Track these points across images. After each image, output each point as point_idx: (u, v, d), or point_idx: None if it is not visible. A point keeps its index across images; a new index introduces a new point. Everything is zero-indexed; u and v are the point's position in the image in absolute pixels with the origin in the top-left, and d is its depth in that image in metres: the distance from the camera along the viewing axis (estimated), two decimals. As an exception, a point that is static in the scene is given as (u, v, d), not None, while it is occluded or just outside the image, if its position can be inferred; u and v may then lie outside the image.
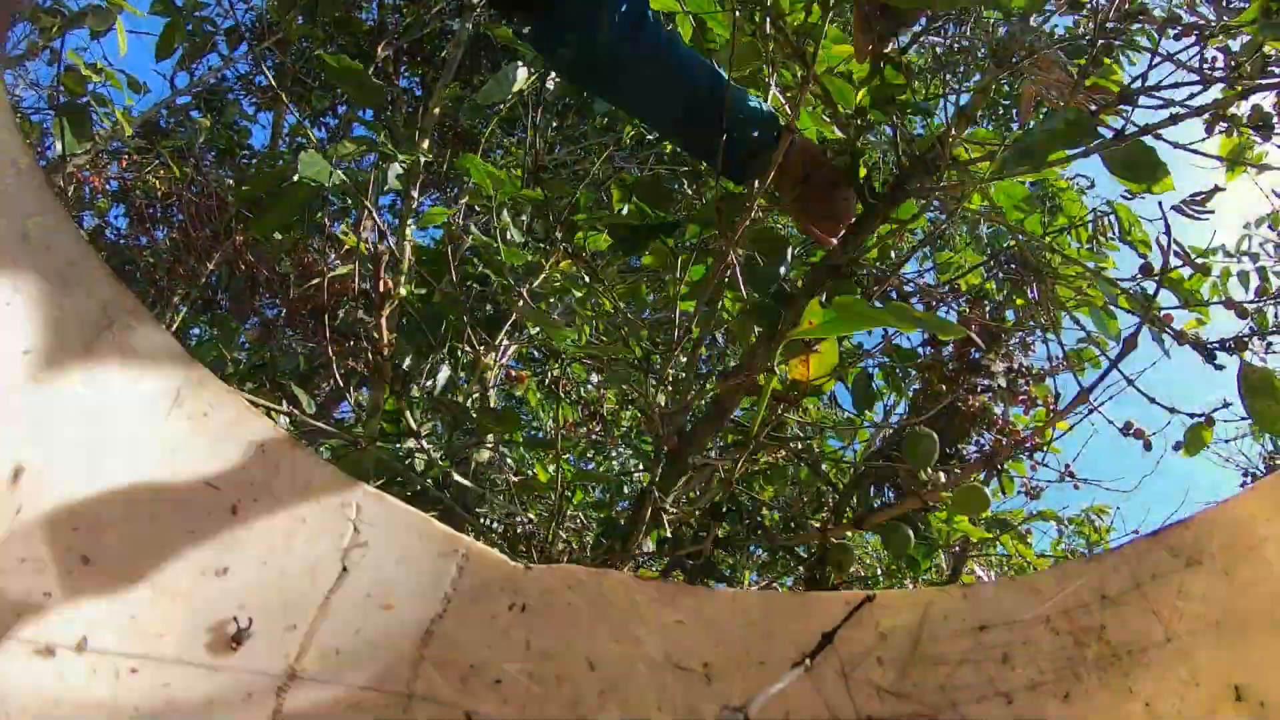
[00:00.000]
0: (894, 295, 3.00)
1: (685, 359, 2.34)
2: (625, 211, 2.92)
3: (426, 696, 1.00)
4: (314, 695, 0.98)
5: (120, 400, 1.00)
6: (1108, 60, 2.21)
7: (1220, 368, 2.57)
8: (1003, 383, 2.93)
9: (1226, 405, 2.72)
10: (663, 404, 2.43)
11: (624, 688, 1.04)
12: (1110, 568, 1.11)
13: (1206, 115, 2.01)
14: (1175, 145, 2.03)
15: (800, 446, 2.92)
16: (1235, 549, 1.08)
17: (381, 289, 2.77)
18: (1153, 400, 2.72)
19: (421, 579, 1.06)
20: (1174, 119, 1.99)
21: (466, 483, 2.71)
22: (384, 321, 2.79)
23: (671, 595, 1.08)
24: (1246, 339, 2.63)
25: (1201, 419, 2.70)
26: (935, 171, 2.27)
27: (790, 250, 2.36)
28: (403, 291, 3.15)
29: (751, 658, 1.06)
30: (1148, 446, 2.90)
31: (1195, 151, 2.08)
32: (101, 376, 1.00)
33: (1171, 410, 2.76)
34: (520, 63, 3.00)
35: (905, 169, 2.30)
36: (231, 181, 4.29)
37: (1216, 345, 2.54)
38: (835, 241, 2.23)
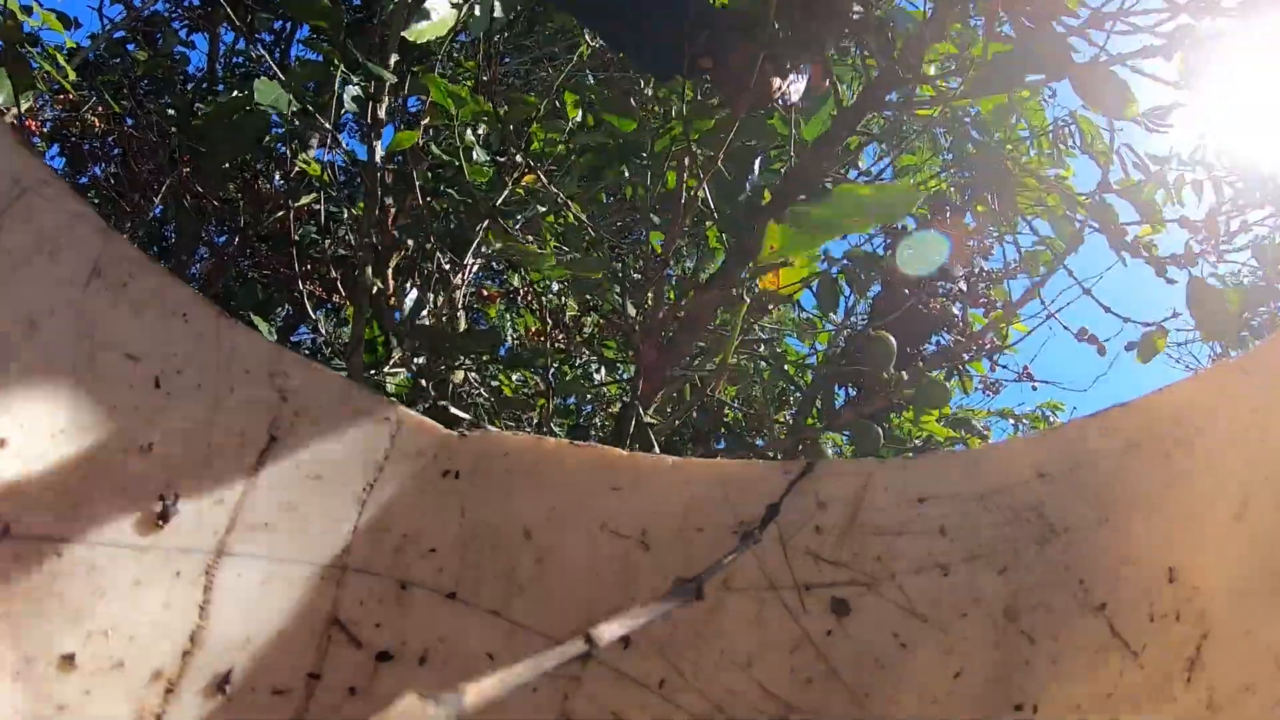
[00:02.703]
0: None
1: (655, 273, 2.33)
2: (581, 117, 2.89)
3: (360, 568, 0.99)
4: (245, 571, 0.96)
5: (34, 273, 0.97)
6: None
7: (1171, 281, 2.60)
8: (963, 286, 2.94)
9: (1176, 315, 2.74)
10: (632, 314, 2.42)
11: (560, 555, 1.03)
12: (1050, 446, 1.11)
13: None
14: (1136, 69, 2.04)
15: (763, 348, 2.92)
16: (1175, 434, 1.07)
17: (389, 241, 2.75)
18: (1108, 310, 2.74)
19: (353, 448, 1.04)
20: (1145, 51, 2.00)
21: (452, 408, 2.71)
22: (389, 271, 2.78)
23: (609, 462, 1.07)
24: (1197, 253, 2.64)
25: (1154, 328, 2.73)
26: (905, 84, 2.26)
27: (758, 160, 2.34)
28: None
29: (689, 525, 1.05)
30: (1101, 352, 2.92)
31: (1156, 79, 2.09)
32: (12, 249, 0.97)
33: (1125, 320, 2.78)
34: None
35: (874, 81, 2.28)
36: (172, 110, 4.19)
37: (1169, 260, 2.56)
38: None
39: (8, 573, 0.89)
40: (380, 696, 0.95)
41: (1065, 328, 2.95)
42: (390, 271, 3.07)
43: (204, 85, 4.88)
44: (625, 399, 2.39)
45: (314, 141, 3.40)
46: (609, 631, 0.76)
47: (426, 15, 2.86)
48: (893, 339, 2.18)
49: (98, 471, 0.95)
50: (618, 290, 2.57)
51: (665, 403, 2.53)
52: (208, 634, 0.94)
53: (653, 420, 2.25)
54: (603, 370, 3.64)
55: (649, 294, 2.38)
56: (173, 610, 0.94)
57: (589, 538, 1.04)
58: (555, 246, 3.19)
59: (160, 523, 0.96)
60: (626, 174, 2.72)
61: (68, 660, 0.89)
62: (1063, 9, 2.11)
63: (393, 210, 3.00)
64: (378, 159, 3.20)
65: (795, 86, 2.15)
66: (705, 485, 1.08)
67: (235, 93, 2.90)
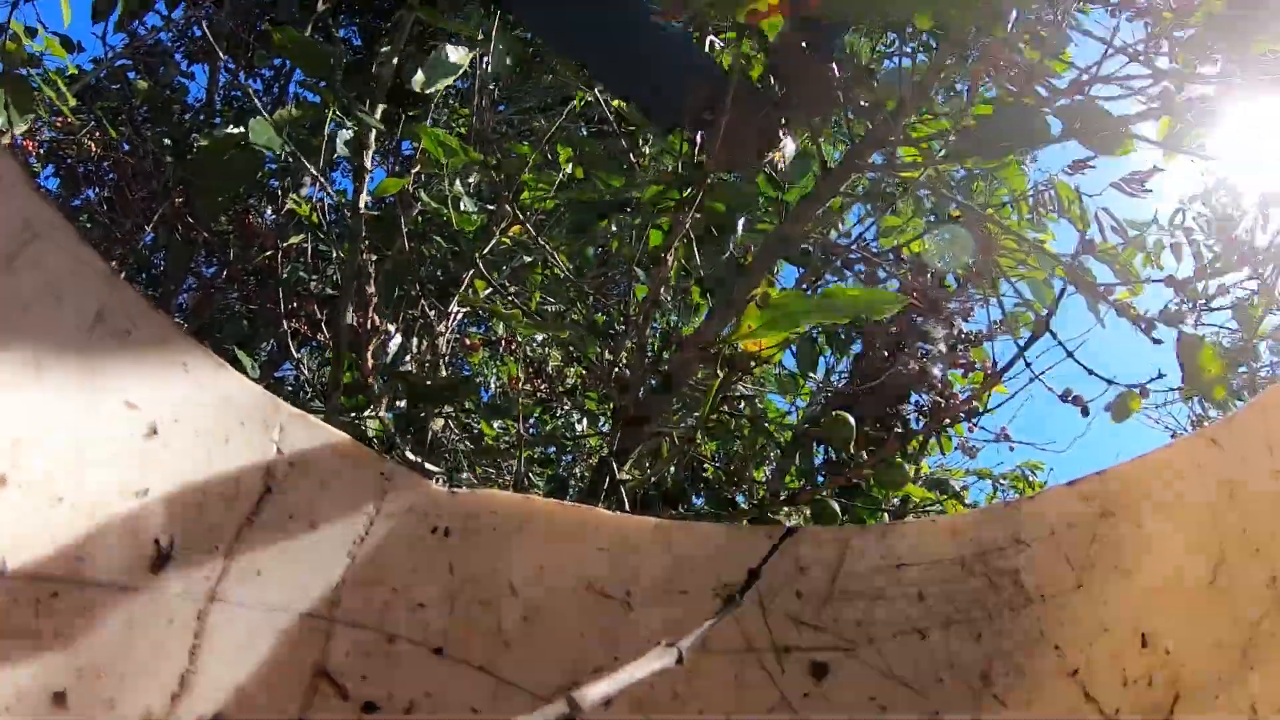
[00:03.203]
0: (838, 263, 3.02)
1: (637, 328, 2.35)
2: (570, 170, 2.91)
3: (348, 620, 1.00)
4: (236, 618, 0.98)
5: (40, 317, 0.99)
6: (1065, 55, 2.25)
7: (1158, 342, 2.63)
8: (943, 347, 2.96)
9: (1161, 376, 2.77)
10: (614, 367, 2.43)
11: (546, 614, 1.04)
12: (1026, 514, 1.14)
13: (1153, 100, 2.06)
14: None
15: (743, 405, 2.94)
16: (1149, 502, 1.11)
17: (370, 326, 2.78)
18: (1091, 372, 2.77)
19: (345, 501, 1.05)
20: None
21: (425, 463, 2.73)
22: (369, 355, 2.81)
23: (595, 522, 1.09)
24: (1182, 312, 2.67)
25: (1135, 389, 2.76)
26: (888, 147, 2.29)
27: (742, 220, 2.37)
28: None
29: (673, 587, 1.07)
30: (1085, 413, 2.94)
31: (1138, 137, 2.13)
32: (21, 292, 0.98)
33: (1109, 382, 2.80)
34: (454, 44, 2.94)
35: (858, 143, 2.31)
36: (168, 140, 4.21)
37: (1156, 319, 2.58)
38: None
39: (7, 612, 0.91)
40: (365, 748, 0.96)
41: (1049, 389, 2.97)
42: (370, 323, 3.09)
43: (201, 117, 4.89)
44: (605, 452, 2.40)
45: (307, 180, 3.42)
46: (593, 693, 0.78)
47: (432, 67, 2.88)
48: (851, 420, 2.21)
49: (94, 514, 0.96)
50: (597, 343, 2.59)
51: (642, 458, 2.54)
52: (197, 678, 0.95)
53: (627, 476, 2.27)
54: (584, 422, 3.66)
55: (625, 349, 2.39)
56: (164, 653, 0.95)
57: (574, 597, 1.06)
58: (540, 299, 3.21)
59: (155, 567, 0.97)
60: (614, 228, 2.75)
61: (59, 698, 0.90)
62: (1046, 72, 2.15)
63: (373, 272, 3.02)
64: (363, 204, 3.23)
65: (785, 151, 2.19)
66: (689, 548, 1.10)
67: (232, 127, 2.92)
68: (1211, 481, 1.11)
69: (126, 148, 4.15)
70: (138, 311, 1.03)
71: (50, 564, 0.93)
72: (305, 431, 1.07)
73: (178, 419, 1.02)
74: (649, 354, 2.30)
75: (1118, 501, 1.11)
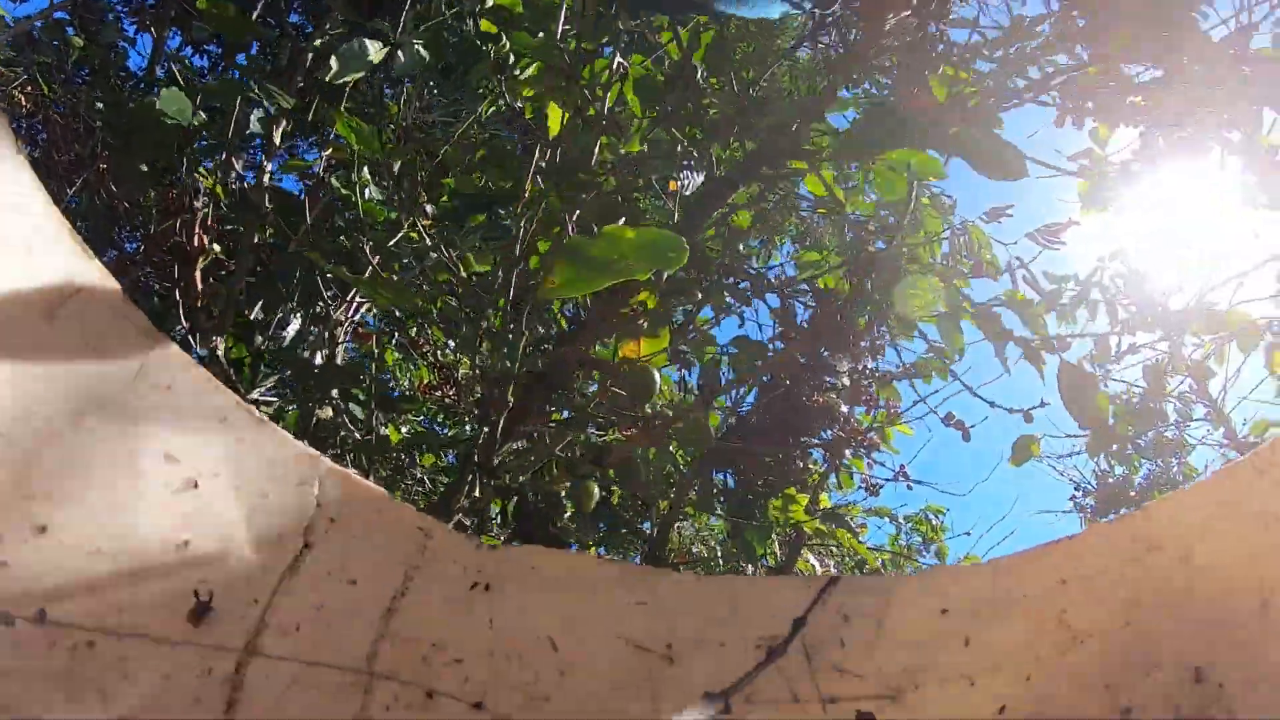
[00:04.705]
0: (745, 288, 3.06)
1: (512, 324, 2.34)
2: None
3: (387, 674, 1.00)
4: (274, 672, 0.97)
5: (81, 369, 0.97)
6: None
7: (967, 440, 2.74)
8: (846, 381, 3.02)
9: (1045, 405, 2.87)
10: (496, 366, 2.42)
11: (585, 668, 1.06)
12: (1070, 553, 1.14)
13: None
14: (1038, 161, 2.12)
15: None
16: (1193, 535, 1.11)
17: (195, 244, 2.71)
18: (975, 393, 2.86)
19: (383, 556, 1.06)
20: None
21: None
22: (196, 275, 2.73)
23: (633, 577, 1.11)
24: (1064, 337, 2.77)
25: (1019, 412, 2.86)
26: (782, 157, 2.33)
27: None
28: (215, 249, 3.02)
29: (712, 639, 1.09)
30: (966, 438, 3.04)
31: (1044, 164, 2.19)
32: (62, 344, 0.96)
33: (991, 405, 2.90)
34: (368, 39, 2.89)
35: (752, 152, 2.35)
36: (101, 105, 4.05)
37: (1039, 345, 2.68)
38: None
39: (45, 659, 0.89)
40: (404, 803, 0.96)
41: (933, 411, 3.06)
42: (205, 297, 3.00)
43: (141, 85, 4.72)
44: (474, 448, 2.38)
45: (240, 159, 3.35)
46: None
47: (345, 57, 2.82)
48: (655, 372, 2.23)
49: (134, 565, 0.96)
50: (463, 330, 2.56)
51: (513, 457, 2.53)
52: (234, 731, 0.94)
53: (498, 477, 2.26)
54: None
55: (485, 343, 2.38)
56: (202, 705, 0.94)
57: (613, 651, 1.07)
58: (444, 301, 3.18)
59: (194, 619, 0.96)
60: (506, 223, 2.75)
61: (95, 745, 0.89)
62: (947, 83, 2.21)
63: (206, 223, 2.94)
64: (266, 180, 3.17)
65: (688, 182, 2.24)
66: (727, 599, 1.12)
67: (171, 99, 2.85)
68: (1257, 511, 1.11)
69: (61, 109, 3.99)
70: (178, 366, 1.03)
71: (89, 613, 0.93)
72: (344, 486, 1.07)
73: (218, 473, 1.02)
74: (527, 351, 2.29)
75: (1163, 536, 1.12)
